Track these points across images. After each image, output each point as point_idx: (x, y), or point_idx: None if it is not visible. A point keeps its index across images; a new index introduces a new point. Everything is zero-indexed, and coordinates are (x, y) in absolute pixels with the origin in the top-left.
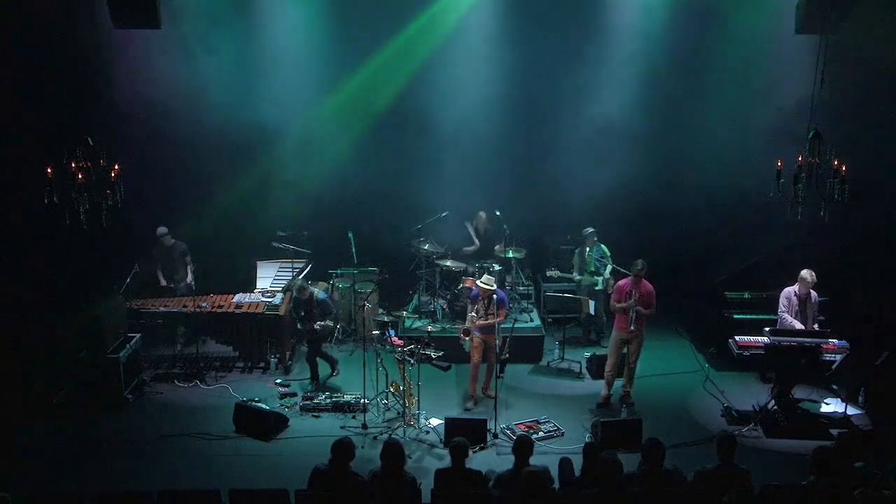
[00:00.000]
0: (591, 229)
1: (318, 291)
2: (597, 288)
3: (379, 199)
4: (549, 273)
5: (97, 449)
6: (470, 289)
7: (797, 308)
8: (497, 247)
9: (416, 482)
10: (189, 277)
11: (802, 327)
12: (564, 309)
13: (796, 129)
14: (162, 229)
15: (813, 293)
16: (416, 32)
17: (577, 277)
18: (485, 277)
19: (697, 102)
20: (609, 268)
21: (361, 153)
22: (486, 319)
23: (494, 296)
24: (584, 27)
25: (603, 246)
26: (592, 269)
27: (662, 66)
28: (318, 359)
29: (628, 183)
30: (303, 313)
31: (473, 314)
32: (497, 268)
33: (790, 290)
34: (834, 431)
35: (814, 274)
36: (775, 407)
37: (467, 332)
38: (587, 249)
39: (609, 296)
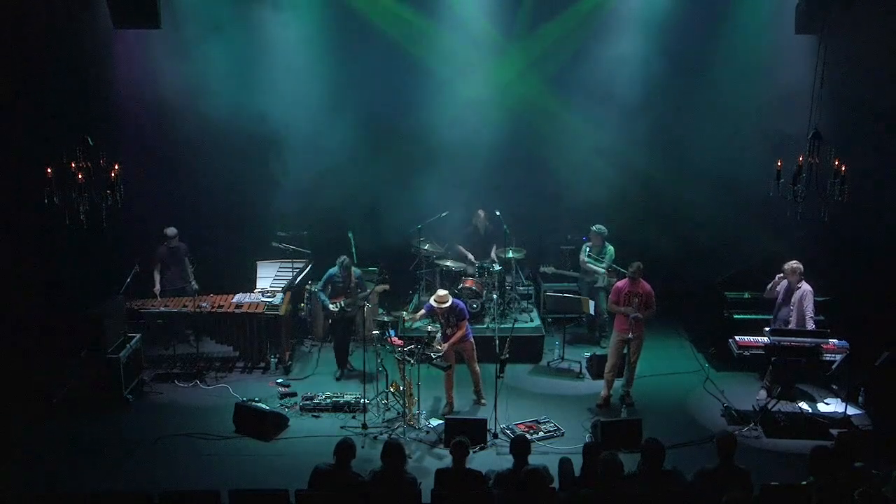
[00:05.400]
0: (603, 229)
1: (355, 269)
2: (597, 285)
3: (379, 199)
4: (542, 269)
5: (97, 449)
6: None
7: (782, 296)
8: (494, 249)
9: (416, 482)
10: (192, 280)
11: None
12: (564, 309)
13: (796, 129)
14: (171, 230)
15: (805, 287)
16: (417, 33)
17: (583, 258)
18: (437, 294)
19: (696, 103)
20: (602, 265)
21: (362, 153)
22: (447, 335)
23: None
24: (583, 26)
25: (610, 248)
26: (588, 261)
27: (662, 67)
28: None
29: (628, 183)
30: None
31: (439, 335)
32: (497, 268)
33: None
34: (834, 431)
35: (794, 264)
36: (775, 407)
37: (448, 362)
38: (588, 246)
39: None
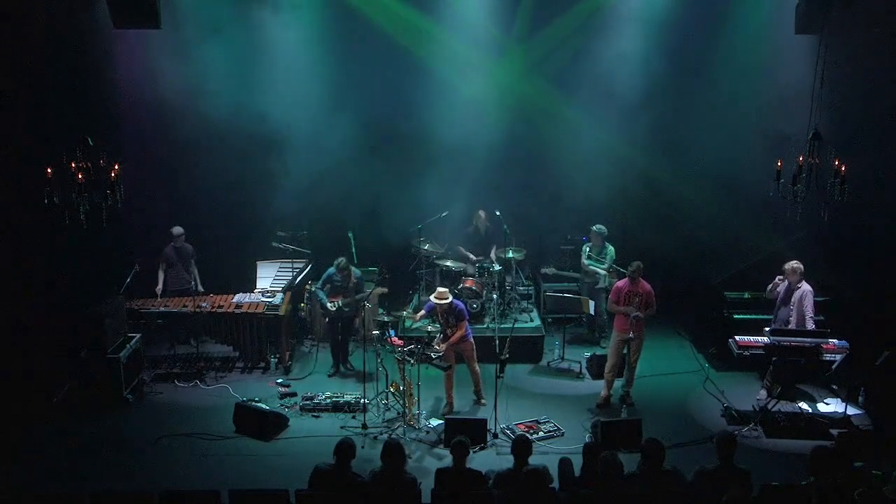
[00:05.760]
0: (604, 229)
1: (355, 270)
2: (598, 286)
3: (379, 199)
4: (543, 270)
5: (97, 449)
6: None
7: (782, 296)
8: (494, 249)
9: (416, 482)
10: (197, 281)
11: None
12: (564, 309)
13: (796, 129)
14: (177, 229)
15: (805, 287)
16: (417, 33)
17: (584, 261)
18: (437, 291)
19: (696, 103)
20: (604, 266)
21: (362, 153)
22: (447, 335)
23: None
24: (583, 25)
25: (611, 248)
26: (589, 262)
27: (662, 67)
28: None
29: (628, 183)
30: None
31: (439, 335)
32: (497, 268)
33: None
34: (834, 431)
35: (794, 264)
36: (775, 407)
37: (448, 361)
38: (588, 247)
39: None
